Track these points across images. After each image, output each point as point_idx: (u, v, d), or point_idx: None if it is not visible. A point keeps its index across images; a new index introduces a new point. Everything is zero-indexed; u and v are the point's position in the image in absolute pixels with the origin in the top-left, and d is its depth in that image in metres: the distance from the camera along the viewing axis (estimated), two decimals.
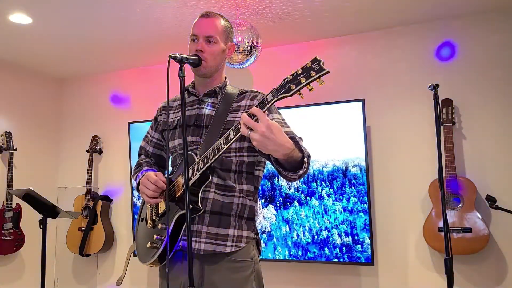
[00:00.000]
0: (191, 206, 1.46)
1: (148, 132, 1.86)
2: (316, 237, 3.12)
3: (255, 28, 2.92)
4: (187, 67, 1.51)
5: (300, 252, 3.15)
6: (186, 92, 1.71)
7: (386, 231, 3.15)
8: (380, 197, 3.19)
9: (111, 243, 4.01)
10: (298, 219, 3.17)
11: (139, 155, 1.88)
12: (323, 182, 3.13)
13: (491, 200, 2.71)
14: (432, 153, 2.99)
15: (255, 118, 1.31)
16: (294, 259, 3.17)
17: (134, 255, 1.83)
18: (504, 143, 2.92)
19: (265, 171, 1.73)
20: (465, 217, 2.78)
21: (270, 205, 3.25)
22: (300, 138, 1.56)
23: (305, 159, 1.43)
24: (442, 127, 2.84)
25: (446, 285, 2.06)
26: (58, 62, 3.99)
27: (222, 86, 1.67)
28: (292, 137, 1.45)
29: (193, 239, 1.53)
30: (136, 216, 3.76)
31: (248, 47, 2.84)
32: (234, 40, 2.74)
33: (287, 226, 3.19)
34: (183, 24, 3.11)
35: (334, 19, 3.10)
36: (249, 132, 1.31)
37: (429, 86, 2.22)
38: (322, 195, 3.13)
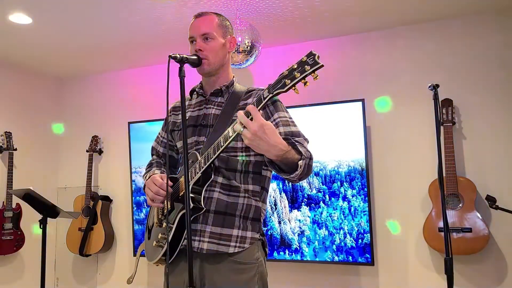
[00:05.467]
0: (192, 205, 1.46)
1: (159, 133, 1.90)
2: (360, 241, 3.01)
3: (255, 28, 2.92)
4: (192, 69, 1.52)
5: (350, 258, 3.02)
6: (194, 93, 1.73)
7: (386, 231, 3.15)
8: (380, 197, 3.19)
9: (111, 243, 4.01)
10: (331, 221, 3.08)
11: (152, 155, 1.91)
12: (344, 183, 3.07)
13: (491, 200, 2.71)
14: (432, 153, 2.98)
15: (250, 117, 1.31)
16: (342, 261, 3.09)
17: (141, 255, 1.84)
18: (504, 143, 2.92)
19: None
20: (465, 217, 2.78)
21: (304, 206, 3.16)
22: (305, 139, 1.55)
23: (300, 162, 1.40)
24: (442, 127, 2.84)
25: (446, 285, 2.05)
26: (58, 62, 3.99)
27: (228, 85, 1.66)
28: (287, 138, 1.43)
29: (197, 238, 1.53)
30: (136, 217, 3.78)
31: (248, 47, 2.84)
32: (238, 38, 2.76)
33: (324, 228, 3.09)
34: (183, 24, 3.11)
35: (334, 19, 3.10)
36: (242, 129, 1.31)
37: (429, 86, 2.22)
38: (347, 196, 3.06)
